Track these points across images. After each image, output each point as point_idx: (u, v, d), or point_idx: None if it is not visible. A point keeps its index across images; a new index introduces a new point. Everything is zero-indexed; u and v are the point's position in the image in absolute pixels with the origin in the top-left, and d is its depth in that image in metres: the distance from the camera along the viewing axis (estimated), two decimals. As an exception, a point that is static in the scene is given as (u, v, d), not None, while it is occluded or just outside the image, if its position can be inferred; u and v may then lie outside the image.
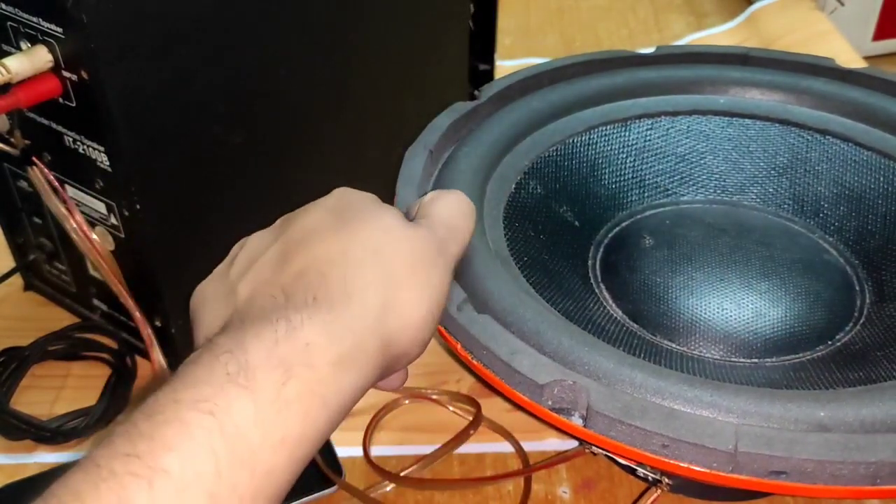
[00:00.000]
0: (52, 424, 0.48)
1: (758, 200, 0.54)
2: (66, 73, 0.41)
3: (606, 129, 0.54)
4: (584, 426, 0.35)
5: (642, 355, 0.43)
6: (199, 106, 0.45)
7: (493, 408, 0.49)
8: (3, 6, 0.41)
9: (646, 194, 0.54)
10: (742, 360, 0.44)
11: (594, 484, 0.46)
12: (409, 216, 0.40)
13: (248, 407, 0.28)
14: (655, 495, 0.41)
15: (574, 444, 0.47)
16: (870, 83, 0.55)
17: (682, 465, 0.34)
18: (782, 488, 0.33)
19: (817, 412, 0.35)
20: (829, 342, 0.45)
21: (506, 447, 0.48)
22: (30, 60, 0.40)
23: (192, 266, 0.48)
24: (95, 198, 0.46)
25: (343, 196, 0.37)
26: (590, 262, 0.50)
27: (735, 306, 0.46)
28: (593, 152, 0.53)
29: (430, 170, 0.48)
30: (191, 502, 0.26)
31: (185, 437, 0.27)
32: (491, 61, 0.66)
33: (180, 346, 0.49)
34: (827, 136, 0.53)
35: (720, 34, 0.89)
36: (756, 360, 0.44)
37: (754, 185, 0.55)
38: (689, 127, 0.55)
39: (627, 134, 0.54)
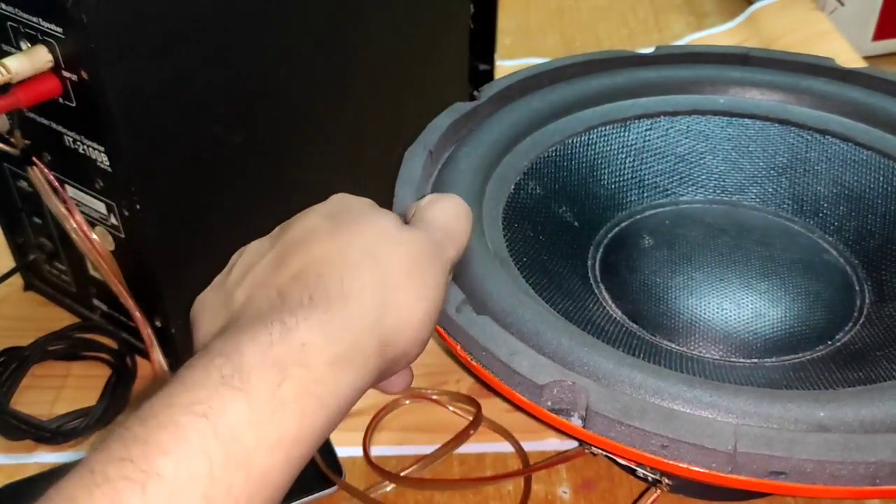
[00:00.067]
0: (52, 424, 0.48)
1: (757, 200, 0.54)
2: (66, 73, 0.41)
3: (606, 130, 0.54)
4: (584, 427, 0.35)
5: (642, 356, 0.43)
6: (199, 106, 0.45)
7: (493, 408, 0.49)
8: (3, 6, 0.41)
9: (645, 194, 0.54)
10: (742, 360, 0.44)
11: (594, 484, 0.46)
12: (407, 218, 0.40)
13: (242, 409, 0.28)
14: (655, 495, 0.41)
15: (574, 444, 0.47)
16: (870, 83, 0.55)
17: (681, 465, 0.34)
18: (782, 488, 0.33)
19: (817, 412, 0.35)
20: (829, 342, 0.45)
21: (506, 447, 0.48)
22: (30, 60, 0.40)
23: (192, 266, 0.48)
24: (95, 198, 0.46)
25: (340, 201, 0.38)
26: (589, 263, 0.50)
27: (735, 306, 0.46)
28: (593, 152, 0.53)
29: (430, 170, 0.48)
30: None
31: (180, 441, 0.27)
32: (491, 61, 0.66)
33: (180, 346, 0.49)
34: (827, 136, 0.53)
35: (720, 34, 0.89)
36: (756, 361, 0.44)
37: (754, 185, 0.55)
38: (688, 127, 0.55)
39: (627, 134, 0.54)
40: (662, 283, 0.48)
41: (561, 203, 0.51)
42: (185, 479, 0.26)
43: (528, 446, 0.48)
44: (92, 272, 0.52)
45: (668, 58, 0.58)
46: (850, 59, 0.79)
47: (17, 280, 0.57)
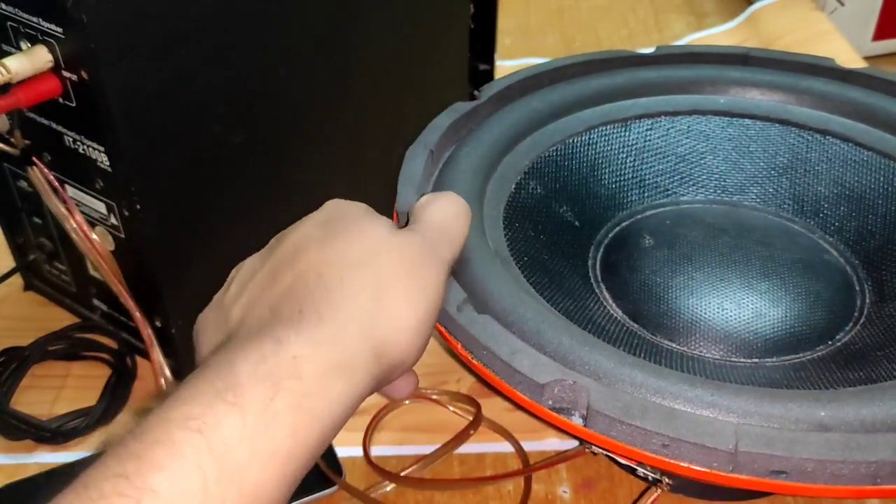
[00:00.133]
0: (52, 424, 0.48)
1: (758, 200, 0.54)
2: (66, 73, 0.41)
3: (606, 129, 0.54)
4: (585, 426, 0.35)
5: (642, 355, 0.43)
6: (199, 106, 0.45)
7: (493, 408, 0.49)
8: (3, 6, 0.41)
9: (646, 194, 0.54)
10: (742, 360, 0.44)
11: (594, 484, 0.46)
12: (410, 217, 0.40)
13: (236, 423, 0.28)
14: (655, 495, 0.41)
15: (574, 443, 0.47)
16: (870, 83, 0.55)
17: (682, 464, 0.34)
18: (782, 488, 0.33)
19: (818, 412, 0.35)
20: (830, 342, 0.45)
21: (506, 447, 0.48)
22: (30, 60, 0.40)
23: (192, 266, 0.48)
24: (95, 198, 0.46)
25: (334, 208, 0.38)
26: (590, 262, 0.50)
27: (735, 306, 0.46)
28: (593, 152, 0.53)
29: (431, 170, 0.48)
30: None
31: (175, 456, 0.27)
32: (491, 61, 0.66)
33: (180, 346, 0.49)
34: (827, 137, 0.53)
35: (720, 34, 0.89)
36: (756, 360, 0.44)
37: (754, 185, 0.55)
38: (689, 127, 0.55)
39: (627, 134, 0.54)
40: (663, 283, 0.48)
41: (562, 203, 0.51)
42: (179, 494, 0.27)
43: (528, 446, 0.48)
44: (92, 272, 0.51)
45: (669, 58, 0.58)
46: (850, 59, 0.79)
47: (17, 280, 0.57)
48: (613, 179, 0.54)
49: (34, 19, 0.40)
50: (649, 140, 0.55)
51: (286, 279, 0.34)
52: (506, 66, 0.68)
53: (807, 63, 0.57)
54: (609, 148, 0.54)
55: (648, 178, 0.54)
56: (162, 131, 0.43)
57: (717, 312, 0.46)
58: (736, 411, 0.35)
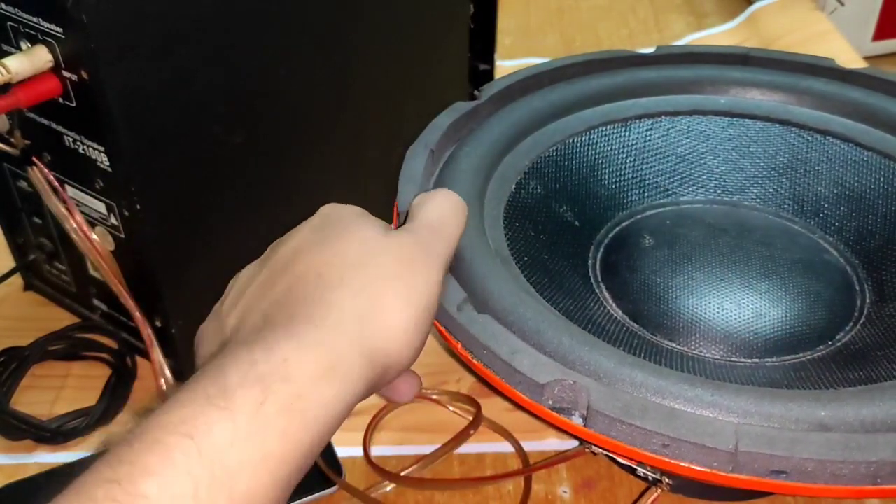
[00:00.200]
0: (52, 424, 0.48)
1: (758, 200, 0.54)
2: (66, 73, 0.41)
3: (607, 129, 0.54)
4: (585, 426, 0.35)
5: (642, 355, 0.42)
6: (199, 106, 0.45)
7: (493, 408, 0.49)
8: (3, 6, 0.41)
9: (646, 194, 0.54)
10: (742, 360, 0.44)
11: (594, 484, 0.46)
12: (408, 216, 0.40)
13: (227, 428, 0.28)
14: (655, 495, 0.41)
15: (574, 443, 0.47)
16: (870, 83, 0.55)
17: (682, 464, 0.34)
18: (783, 488, 0.33)
19: (818, 412, 0.35)
20: (830, 342, 0.45)
21: (506, 447, 0.48)
22: (30, 60, 0.40)
23: (192, 266, 0.48)
24: (95, 198, 0.46)
25: (329, 212, 0.38)
26: (590, 262, 0.50)
27: (735, 306, 0.46)
28: (593, 152, 0.53)
29: (431, 169, 0.48)
30: None
31: (165, 462, 0.27)
32: (491, 61, 0.66)
33: (180, 346, 0.49)
34: (827, 137, 0.53)
35: (720, 34, 0.89)
36: (756, 360, 0.44)
37: (755, 186, 0.55)
38: (689, 127, 0.55)
39: (628, 134, 0.54)
40: (663, 283, 0.47)
41: (562, 202, 0.51)
42: (168, 500, 0.27)
43: (528, 446, 0.48)
44: (92, 272, 0.51)
45: (669, 58, 0.58)
46: (850, 59, 0.79)
47: (17, 280, 0.57)
48: (614, 179, 0.54)
49: (34, 19, 0.40)
50: (649, 140, 0.55)
51: (280, 287, 0.34)
52: (506, 66, 0.68)
53: (807, 63, 0.57)
54: (609, 148, 0.54)
55: (649, 178, 0.54)
56: (162, 131, 0.43)
57: (718, 312, 0.46)
58: (736, 411, 0.35)
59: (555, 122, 0.53)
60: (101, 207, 0.46)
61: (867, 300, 0.48)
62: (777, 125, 0.54)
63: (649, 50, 0.58)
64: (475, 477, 0.47)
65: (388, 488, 0.46)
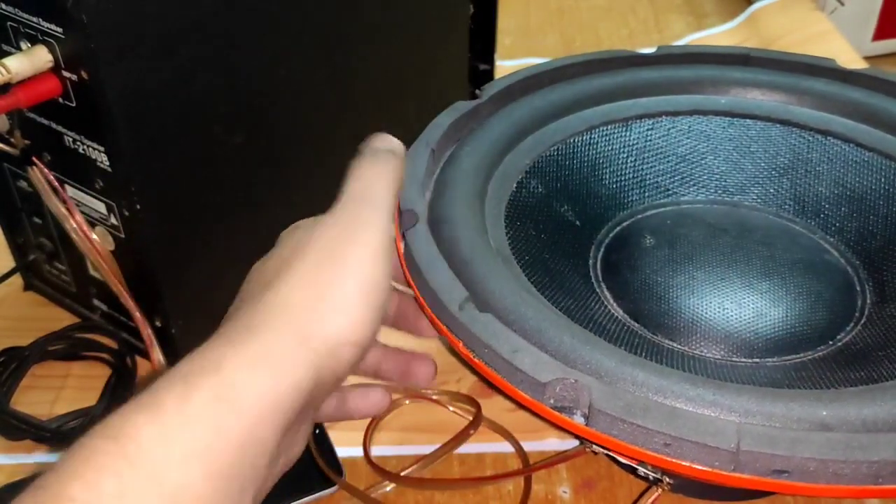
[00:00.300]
0: (52, 424, 0.48)
1: (759, 201, 0.54)
2: (66, 73, 0.41)
3: (607, 129, 0.54)
4: (586, 424, 0.35)
5: (643, 354, 0.42)
6: (199, 106, 0.45)
7: (493, 408, 0.49)
8: (3, 6, 0.41)
9: (647, 194, 0.54)
10: (743, 359, 0.44)
11: (594, 483, 0.46)
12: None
13: (153, 425, 0.29)
14: (656, 495, 0.41)
15: (574, 443, 0.47)
16: (871, 84, 0.55)
17: (683, 463, 0.33)
18: (784, 487, 0.33)
19: (819, 411, 0.35)
20: (831, 342, 0.45)
21: (506, 447, 0.48)
22: (30, 60, 0.40)
23: (192, 266, 0.48)
24: (95, 198, 0.46)
25: (281, 235, 0.39)
26: (591, 262, 0.50)
27: (736, 306, 0.46)
28: (594, 152, 0.53)
29: (432, 168, 0.48)
30: None
31: (89, 464, 0.28)
32: (491, 61, 0.66)
33: (180, 346, 0.49)
34: (828, 137, 0.53)
35: (720, 34, 0.89)
36: (757, 360, 0.44)
37: (755, 186, 0.55)
38: (689, 127, 0.55)
39: (628, 134, 0.54)
40: (664, 283, 0.47)
41: (563, 202, 0.51)
42: (96, 499, 0.27)
43: (528, 446, 0.48)
44: (92, 272, 0.51)
45: (669, 58, 0.58)
46: (850, 59, 0.79)
47: (17, 280, 0.57)
48: (614, 179, 0.54)
49: (34, 19, 0.40)
50: (650, 140, 0.55)
51: (235, 304, 0.37)
52: (506, 66, 0.68)
53: (808, 63, 0.57)
54: (610, 147, 0.54)
55: (649, 178, 0.54)
56: (162, 131, 0.43)
57: (718, 312, 0.46)
58: (738, 410, 0.35)
59: (555, 121, 0.53)
60: (101, 207, 0.46)
61: (868, 300, 0.48)
62: (778, 125, 0.54)
63: (650, 50, 0.58)
64: (475, 477, 0.47)
65: (388, 488, 0.46)
